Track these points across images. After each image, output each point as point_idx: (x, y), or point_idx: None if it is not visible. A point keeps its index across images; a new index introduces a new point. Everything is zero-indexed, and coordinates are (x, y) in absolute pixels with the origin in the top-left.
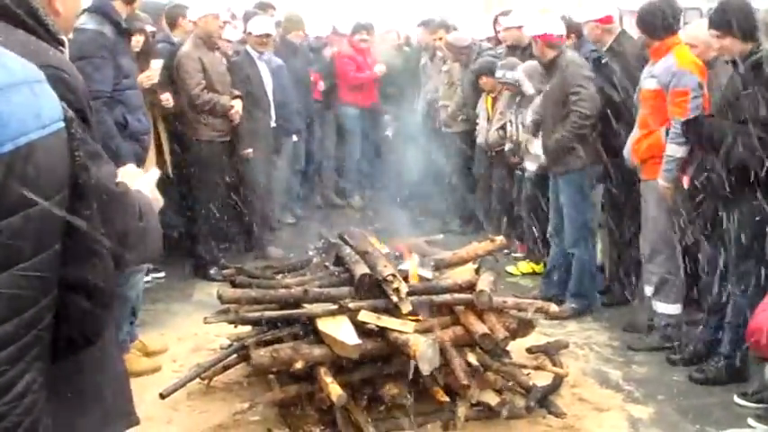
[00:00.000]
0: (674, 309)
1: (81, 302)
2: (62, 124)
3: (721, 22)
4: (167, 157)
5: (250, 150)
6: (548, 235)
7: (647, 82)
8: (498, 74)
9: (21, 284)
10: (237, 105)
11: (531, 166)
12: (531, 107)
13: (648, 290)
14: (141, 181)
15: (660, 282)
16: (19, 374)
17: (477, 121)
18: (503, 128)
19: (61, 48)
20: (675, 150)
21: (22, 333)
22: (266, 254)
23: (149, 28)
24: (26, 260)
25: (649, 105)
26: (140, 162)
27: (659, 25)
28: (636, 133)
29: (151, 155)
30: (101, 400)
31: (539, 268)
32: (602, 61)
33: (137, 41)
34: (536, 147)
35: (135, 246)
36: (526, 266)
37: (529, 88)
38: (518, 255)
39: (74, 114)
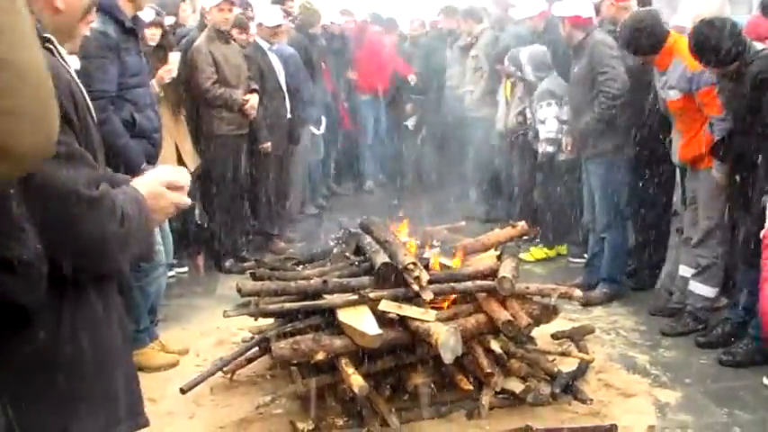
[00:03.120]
0: (712, 292)
1: (10, 277)
2: None
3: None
4: (188, 151)
5: (268, 144)
6: (584, 221)
7: (669, 93)
8: (505, 62)
9: None
10: (253, 99)
11: (540, 149)
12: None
13: (687, 271)
14: (150, 178)
15: (707, 266)
16: None
17: (497, 108)
18: (521, 114)
19: (48, 45)
20: None
21: None
22: (276, 247)
23: (169, 20)
24: None
25: (681, 112)
26: (152, 159)
27: (647, 44)
28: (679, 139)
29: (171, 150)
30: (108, 401)
31: (551, 253)
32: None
33: (152, 35)
34: (542, 130)
35: (116, 250)
36: (539, 252)
37: (528, 75)
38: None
39: None
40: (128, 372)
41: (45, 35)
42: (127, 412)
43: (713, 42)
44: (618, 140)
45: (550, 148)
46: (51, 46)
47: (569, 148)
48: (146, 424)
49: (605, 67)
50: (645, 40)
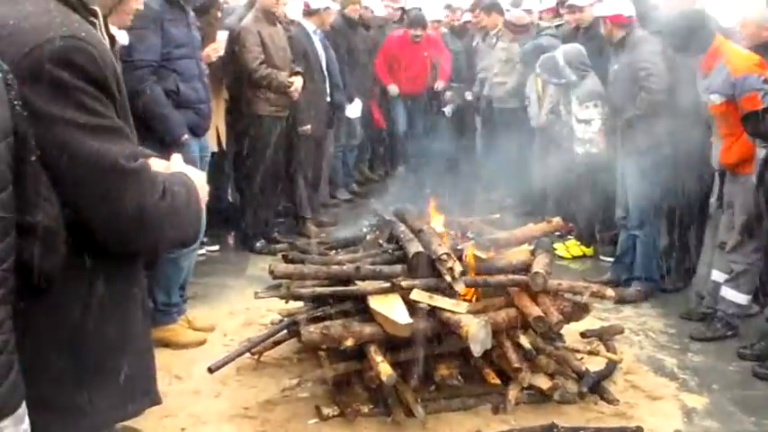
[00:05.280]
0: (744, 299)
1: (32, 245)
2: None
3: None
4: (222, 130)
5: (308, 127)
6: (616, 219)
7: (711, 97)
8: (539, 71)
9: None
10: (297, 82)
11: (579, 150)
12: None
13: (720, 276)
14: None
15: (741, 271)
16: None
17: (527, 102)
18: (554, 111)
19: (92, 18)
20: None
21: None
22: (308, 231)
23: None
24: None
25: (722, 117)
26: (198, 130)
27: (694, 43)
28: (720, 144)
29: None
30: (126, 377)
31: (589, 251)
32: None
33: (215, 14)
34: (582, 131)
35: (155, 224)
36: (576, 249)
37: (569, 76)
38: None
39: (9, 69)
40: (146, 349)
41: (93, 7)
42: (142, 389)
43: None
44: (656, 138)
45: (594, 149)
46: (95, 20)
47: (601, 144)
48: (158, 401)
49: (647, 63)
50: (692, 38)
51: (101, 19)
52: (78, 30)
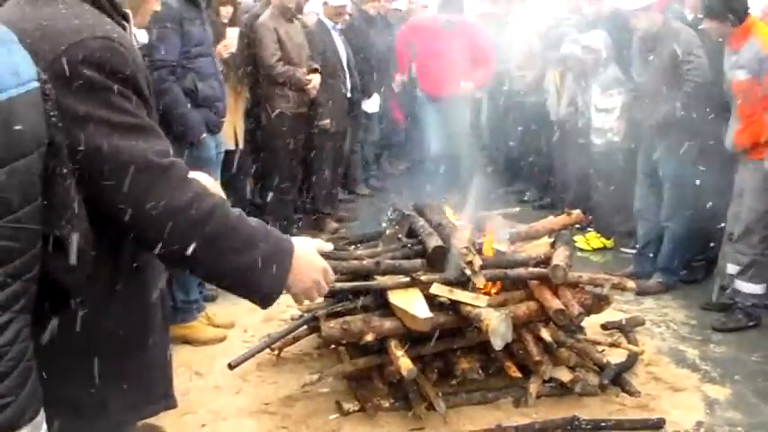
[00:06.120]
0: (760, 288)
1: (60, 257)
2: (37, 83)
3: None
4: (240, 128)
5: (327, 121)
6: (635, 211)
7: (737, 73)
8: (570, 48)
9: (8, 235)
10: (315, 80)
11: (597, 140)
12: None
13: (732, 268)
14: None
15: (750, 262)
16: (7, 322)
17: (546, 96)
18: (573, 103)
19: (124, 22)
20: None
21: (9, 282)
22: (328, 226)
23: None
24: (13, 212)
25: (744, 95)
26: (214, 128)
27: (733, 10)
28: (736, 124)
29: (230, 126)
30: (143, 381)
31: (609, 243)
32: (699, 27)
33: (227, 12)
34: (601, 120)
35: (183, 224)
36: (596, 241)
37: (603, 53)
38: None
39: (46, 76)
40: (163, 352)
41: (125, 10)
42: (159, 393)
43: None
44: (693, 131)
45: (617, 138)
46: (125, 22)
47: (622, 134)
48: (174, 406)
49: (692, 56)
50: (730, 7)
51: (131, 22)
52: (111, 31)
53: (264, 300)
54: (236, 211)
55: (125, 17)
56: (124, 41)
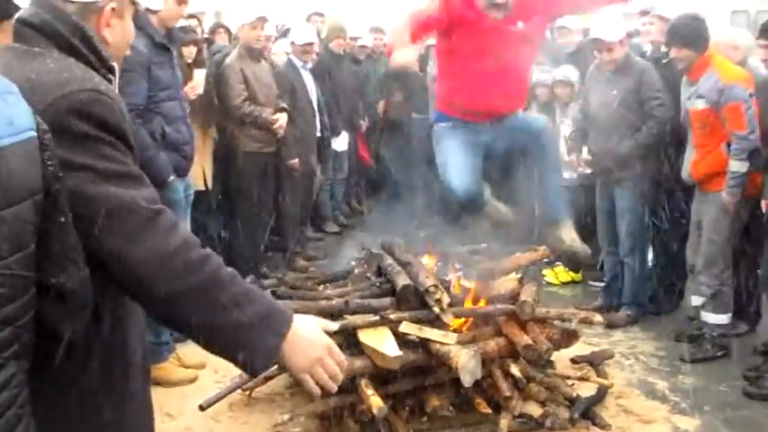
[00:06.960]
0: (725, 319)
1: (55, 304)
2: (33, 133)
3: None
4: (208, 169)
5: (296, 161)
6: (600, 244)
7: (696, 103)
8: (543, 76)
9: None
10: (282, 119)
11: (566, 174)
12: (571, 118)
13: (697, 300)
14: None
15: (713, 294)
16: None
17: None
18: None
19: (110, 75)
20: (740, 166)
21: (0, 328)
22: (297, 265)
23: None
24: (3, 259)
25: (702, 125)
26: (182, 172)
27: (702, 38)
28: (693, 154)
29: (198, 167)
30: (128, 428)
31: (578, 277)
32: (664, 61)
33: (189, 53)
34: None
35: (161, 271)
36: (564, 275)
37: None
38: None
39: (47, 127)
40: (145, 396)
41: (111, 63)
42: None
43: None
44: (651, 163)
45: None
46: (112, 77)
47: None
48: None
49: (656, 93)
50: (696, 37)
51: (117, 75)
52: (98, 84)
53: (253, 365)
54: (230, 269)
55: (111, 70)
56: (111, 93)
